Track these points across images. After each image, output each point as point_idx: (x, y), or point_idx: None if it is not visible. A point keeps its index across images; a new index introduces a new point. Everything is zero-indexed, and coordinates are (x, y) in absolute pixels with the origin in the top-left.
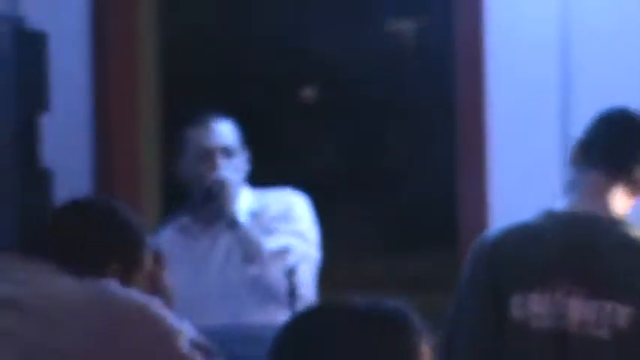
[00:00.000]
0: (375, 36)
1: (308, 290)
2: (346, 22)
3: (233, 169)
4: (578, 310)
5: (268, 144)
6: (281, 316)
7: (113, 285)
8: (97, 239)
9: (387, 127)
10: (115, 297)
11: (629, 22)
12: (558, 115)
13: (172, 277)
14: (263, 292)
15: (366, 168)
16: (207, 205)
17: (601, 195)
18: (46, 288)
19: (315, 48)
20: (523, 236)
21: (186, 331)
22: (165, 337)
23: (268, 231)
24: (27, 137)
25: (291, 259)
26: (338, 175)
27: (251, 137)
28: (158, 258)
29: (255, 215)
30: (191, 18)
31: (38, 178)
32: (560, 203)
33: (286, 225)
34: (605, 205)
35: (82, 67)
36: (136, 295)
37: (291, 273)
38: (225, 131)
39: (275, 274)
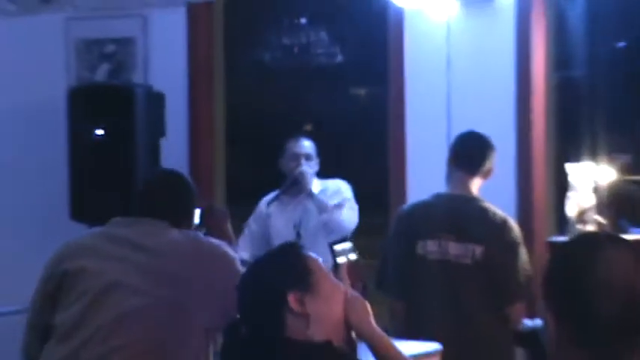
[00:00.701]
0: (343, 96)
1: (352, 224)
2: (326, 90)
3: (309, 167)
4: (453, 248)
5: None
6: None
7: (200, 234)
8: (176, 204)
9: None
10: (203, 240)
11: (497, 78)
12: (445, 140)
13: (272, 227)
14: (330, 229)
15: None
16: (294, 186)
17: (465, 184)
18: (162, 237)
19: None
20: (423, 208)
21: (237, 256)
22: (234, 268)
23: (330, 199)
24: (154, 151)
25: (343, 210)
26: None
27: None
28: (223, 214)
29: (321, 192)
30: (243, 96)
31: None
32: (443, 189)
33: (339, 195)
34: (467, 189)
35: (182, 114)
36: (215, 240)
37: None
38: (306, 144)
39: (337, 217)
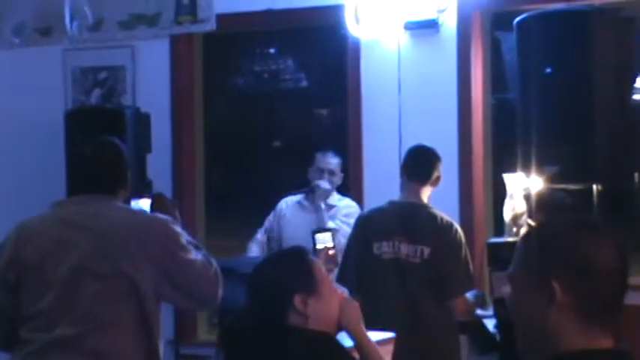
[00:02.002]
0: (308, 116)
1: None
2: (293, 110)
3: (329, 182)
4: (405, 249)
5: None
6: None
7: (144, 209)
8: (114, 173)
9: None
10: (145, 214)
11: (442, 99)
12: (397, 153)
13: (286, 225)
14: None
15: None
16: (311, 195)
17: (416, 193)
18: (107, 216)
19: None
20: (379, 213)
21: (184, 234)
22: (174, 235)
23: (336, 216)
24: (141, 165)
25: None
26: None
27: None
28: (172, 204)
29: (332, 207)
30: (220, 117)
31: (146, 185)
32: (396, 196)
33: (346, 217)
34: (418, 197)
35: (166, 132)
36: (158, 215)
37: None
38: (332, 161)
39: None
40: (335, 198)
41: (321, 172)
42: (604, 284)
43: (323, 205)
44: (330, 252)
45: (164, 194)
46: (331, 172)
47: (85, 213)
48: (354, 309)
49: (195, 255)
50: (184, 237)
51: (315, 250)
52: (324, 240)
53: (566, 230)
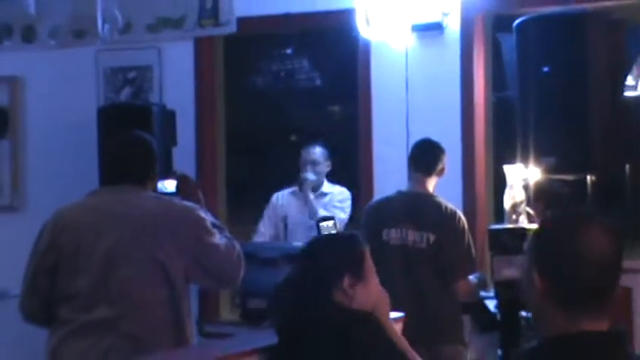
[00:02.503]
0: (321, 113)
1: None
2: (307, 108)
3: (314, 172)
4: (411, 236)
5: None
6: None
7: (172, 198)
8: (144, 165)
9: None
10: (174, 202)
11: (446, 96)
12: (405, 147)
13: (289, 214)
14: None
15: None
16: (300, 187)
17: (422, 183)
18: (139, 206)
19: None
20: (387, 202)
21: (209, 216)
22: (201, 221)
23: (329, 204)
24: (167, 158)
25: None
26: None
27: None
28: (196, 184)
29: (323, 195)
30: (240, 113)
31: (172, 174)
32: (404, 187)
33: (340, 204)
34: (424, 187)
35: (190, 128)
36: (185, 203)
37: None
38: (314, 151)
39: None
40: (327, 186)
41: (305, 164)
42: (582, 272)
43: (312, 196)
44: None
45: (188, 175)
46: (314, 162)
47: (118, 202)
48: (386, 302)
49: (220, 239)
50: (209, 221)
51: None
52: (328, 228)
53: (550, 224)
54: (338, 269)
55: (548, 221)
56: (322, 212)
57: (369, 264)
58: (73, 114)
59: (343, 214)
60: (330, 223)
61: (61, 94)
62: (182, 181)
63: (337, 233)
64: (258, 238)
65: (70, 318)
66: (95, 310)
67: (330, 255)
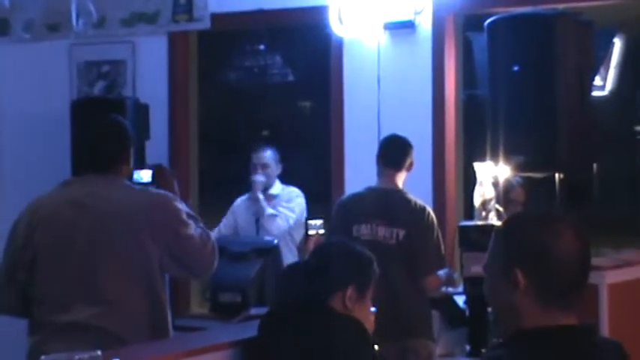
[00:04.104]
0: (293, 108)
1: (280, 231)
2: (280, 103)
3: (264, 175)
4: (382, 231)
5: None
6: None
7: (147, 187)
8: (117, 149)
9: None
10: (149, 192)
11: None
12: (376, 143)
13: (238, 218)
14: (264, 231)
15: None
16: (251, 188)
17: (391, 179)
18: (111, 195)
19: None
20: (357, 198)
21: (184, 207)
22: (176, 211)
23: (279, 203)
24: (140, 151)
25: (278, 219)
26: None
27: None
28: (172, 175)
29: (274, 196)
30: (213, 107)
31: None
32: (374, 183)
33: (288, 203)
34: (394, 183)
35: (163, 121)
36: (160, 192)
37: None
38: (264, 155)
39: (268, 224)
40: (277, 188)
41: (254, 167)
42: (561, 270)
43: (261, 196)
44: (321, 238)
45: (164, 165)
46: (264, 166)
47: (91, 195)
48: (372, 325)
49: (194, 230)
50: (184, 212)
51: (308, 236)
52: (315, 226)
53: (526, 223)
54: (348, 277)
55: (523, 221)
56: (270, 211)
57: (373, 288)
58: (47, 107)
59: (292, 214)
60: (319, 222)
61: (35, 88)
62: (158, 171)
63: (358, 247)
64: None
65: (47, 320)
66: (72, 310)
67: (346, 262)
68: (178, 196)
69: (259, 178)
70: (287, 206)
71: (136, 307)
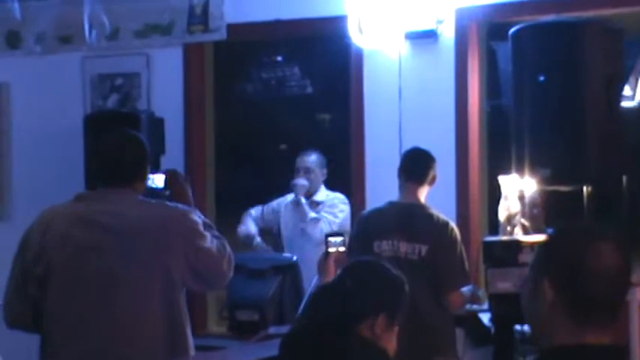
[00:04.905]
0: (312, 121)
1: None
2: (298, 116)
3: (306, 179)
4: (403, 247)
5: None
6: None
7: (165, 202)
8: (134, 164)
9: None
10: (165, 207)
11: (440, 105)
12: (398, 157)
13: (283, 219)
14: (306, 236)
15: None
16: (294, 192)
17: (414, 193)
18: (127, 213)
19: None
20: (378, 214)
21: (199, 217)
22: (194, 224)
23: (323, 209)
24: (155, 166)
25: (321, 224)
26: None
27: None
28: (185, 180)
29: (318, 203)
30: (229, 121)
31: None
32: (396, 197)
33: (331, 208)
34: (416, 198)
35: (179, 135)
36: (174, 204)
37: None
38: (308, 159)
39: (310, 228)
40: (322, 194)
41: (297, 171)
42: (593, 285)
43: (303, 200)
44: (342, 255)
45: (177, 170)
46: (307, 170)
47: (108, 213)
48: (394, 349)
49: (211, 241)
50: (201, 223)
51: (327, 253)
52: (335, 243)
53: (563, 234)
54: (381, 304)
55: (560, 233)
56: (312, 214)
57: (403, 315)
58: (59, 122)
59: (335, 219)
60: (339, 238)
61: (47, 102)
62: (171, 176)
63: (393, 271)
64: (247, 218)
65: (63, 343)
66: (86, 335)
67: (382, 287)
68: (192, 202)
69: (300, 181)
70: (330, 211)
71: (155, 330)
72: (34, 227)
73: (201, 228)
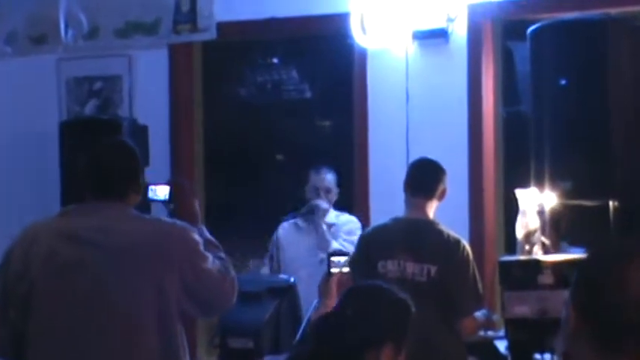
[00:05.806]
0: (311, 128)
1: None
2: (296, 122)
3: (327, 200)
4: (410, 267)
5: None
6: None
7: (162, 218)
8: (125, 175)
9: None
10: (160, 223)
11: (452, 111)
12: (405, 167)
13: (287, 250)
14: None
15: None
16: (309, 214)
17: (421, 208)
18: (117, 228)
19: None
20: (383, 231)
21: (202, 236)
22: (192, 243)
23: (337, 236)
24: None
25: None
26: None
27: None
28: (192, 192)
29: (330, 225)
30: (220, 128)
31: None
32: (402, 211)
33: (348, 236)
34: (424, 213)
35: (164, 145)
36: (172, 220)
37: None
38: (327, 178)
39: None
40: (332, 215)
41: (317, 190)
42: (616, 310)
43: (324, 226)
44: (345, 277)
45: (184, 181)
46: (327, 190)
47: (98, 229)
48: None
49: (212, 263)
50: (203, 240)
51: (330, 274)
52: (339, 264)
53: (593, 255)
54: (386, 333)
55: (590, 252)
56: (336, 245)
57: (407, 345)
58: (33, 128)
59: (351, 246)
60: (343, 258)
61: (20, 107)
62: (176, 187)
63: (398, 295)
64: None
65: None
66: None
67: (386, 314)
68: (199, 216)
69: (323, 204)
70: (349, 239)
71: (148, 355)
72: (17, 244)
73: (201, 247)
